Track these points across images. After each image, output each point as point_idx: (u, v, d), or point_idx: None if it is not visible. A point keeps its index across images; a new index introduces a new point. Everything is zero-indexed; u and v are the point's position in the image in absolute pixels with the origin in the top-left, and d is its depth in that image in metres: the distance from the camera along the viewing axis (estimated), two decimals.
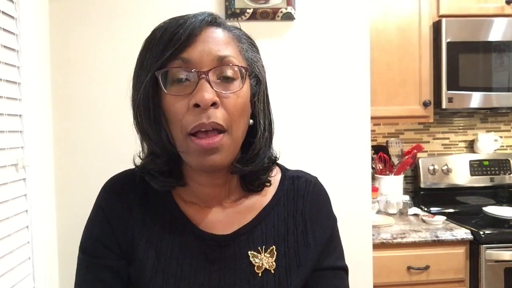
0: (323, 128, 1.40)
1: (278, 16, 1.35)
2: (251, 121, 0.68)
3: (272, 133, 0.71)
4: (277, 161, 0.76)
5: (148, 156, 0.69)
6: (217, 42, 0.62)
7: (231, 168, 0.67)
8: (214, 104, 0.60)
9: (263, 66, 0.70)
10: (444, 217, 1.90)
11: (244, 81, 0.64)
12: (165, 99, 0.62)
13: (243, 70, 0.64)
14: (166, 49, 0.60)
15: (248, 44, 0.68)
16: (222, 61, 0.62)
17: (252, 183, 0.71)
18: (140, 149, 0.71)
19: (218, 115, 0.60)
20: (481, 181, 2.28)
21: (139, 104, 0.64)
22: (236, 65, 0.63)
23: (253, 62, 0.68)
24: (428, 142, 2.38)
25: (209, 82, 0.60)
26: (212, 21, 0.64)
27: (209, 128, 0.60)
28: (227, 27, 0.66)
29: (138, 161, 0.71)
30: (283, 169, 0.77)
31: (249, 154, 0.68)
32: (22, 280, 1.07)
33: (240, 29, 0.69)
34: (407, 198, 2.10)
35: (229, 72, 0.62)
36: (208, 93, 0.59)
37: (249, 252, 0.67)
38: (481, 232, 1.74)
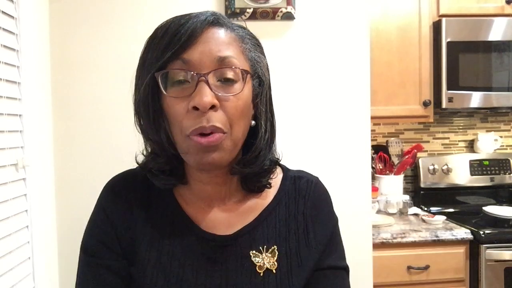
0: (323, 128, 1.40)
1: (278, 16, 1.35)
2: (252, 122, 0.68)
3: (274, 135, 0.71)
4: (279, 162, 0.75)
5: (149, 155, 0.69)
6: (218, 42, 0.61)
7: (231, 169, 0.67)
8: (213, 107, 0.60)
9: (267, 67, 0.69)
10: (444, 217, 1.90)
11: (245, 83, 0.63)
12: (165, 100, 0.62)
13: (244, 73, 0.63)
14: (167, 50, 0.60)
15: (251, 44, 0.67)
16: (222, 62, 0.61)
17: (252, 184, 0.71)
18: (142, 147, 0.71)
19: (217, 118, 0.60)
20: (481, 181, 2.28)
21: (139, 104, 0.64)
22: (237, 68, 0.62)
23: (256, 63, 0.67)
24: (428, 142, 2.38)
25: (208, 85, 0.59)
26: (214, 21, 0.63)
27: (209, 131, 0.60)
28: (230, 27, 0.65)
29: (141, 159, 0.71)
30: (285, 169, 0.77)
31: (249, 155, 0.67)
32: (22, 280, 1.07)
33: (244, 28, 0.68)
34: (407, 197, 2.10)
35: (230, 74, 0.61)
36: (207, 96, 0.58)
37: (250, 252, 0.67)
38: (481, 232, 1.75)
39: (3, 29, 1.02)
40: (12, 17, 1.07)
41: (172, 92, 0.61)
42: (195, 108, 0.59)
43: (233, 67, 0.62)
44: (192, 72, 0.60)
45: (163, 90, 0.61)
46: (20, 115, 1.10)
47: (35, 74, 1.19)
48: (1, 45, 1.01)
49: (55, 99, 1.30)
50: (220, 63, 0.61)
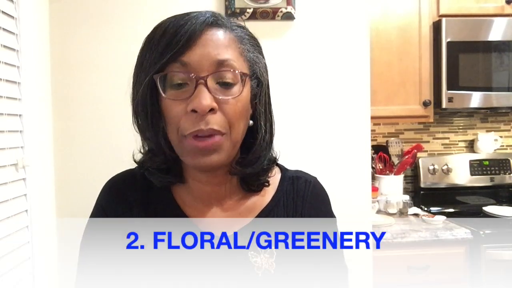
0: (323, 128, 1.40)
1: (278, 16, 1.35)
2: (251, 122, 0.68)
3: (272, 135, 0.71)
4: (277, 161, 0.76)
5: (147, 154, 0.69)
6: (217, 45, 0.61)
7: (231, 169, 0.67)
8: (212, 110, 0.59)
9: (265, 67, 0.69)
10: (444, 217, 1.90)
11: (244, 85, 0.63)
12: (163, 102, 0.62)
13: (243, 76, 0.63)
14: (165, 52, 0.60)
15: (250, 45, 0.67)
16: (221, 65, 0.60)
17: (252, 183, 0.71)
18: (140, 145, 0.71)
19: (216, 121, 0.60)
20: (481, 181, 2.28)
21: (138, 105, 0.64)
22: (235, 70, 0.61)
23: (254, 64, 0.67)
24: (428, 142, 2.38)
25: (207, 87, 0.59)
26: (213, 22, 0.62)
27: (207, 134, 0.60)
28: (229, 27, 0.65)
29: (139, 157, 0.71)
30: (283, 169, 0.77)
31: (249, 156, 0.67)
32: (22, 280, 1.07)
33: (243, 27, 0.68)
34: (407, 198, 2.10)
35: (228, 78, 0.61)
36: (205, 100, 0.58)
37: (248, 252, 0.67)
38: (481, 232, 1.74)
39: (3, 29, 1.02)
40: (12, 17, 1.07)
41: (170, 94, 0.61)
42: (194, 111, 0.59)
43: (232, 70, 0.61)
44: (191, 75, 0.60)
45: (161, 93, 0.61)
46: (20, 115, 1.10)
47: (35, 74, 1.19)
48: (1, 45, 1.01)
49: (55, 99, 1.30)
50: (219, 66, 0.60)
